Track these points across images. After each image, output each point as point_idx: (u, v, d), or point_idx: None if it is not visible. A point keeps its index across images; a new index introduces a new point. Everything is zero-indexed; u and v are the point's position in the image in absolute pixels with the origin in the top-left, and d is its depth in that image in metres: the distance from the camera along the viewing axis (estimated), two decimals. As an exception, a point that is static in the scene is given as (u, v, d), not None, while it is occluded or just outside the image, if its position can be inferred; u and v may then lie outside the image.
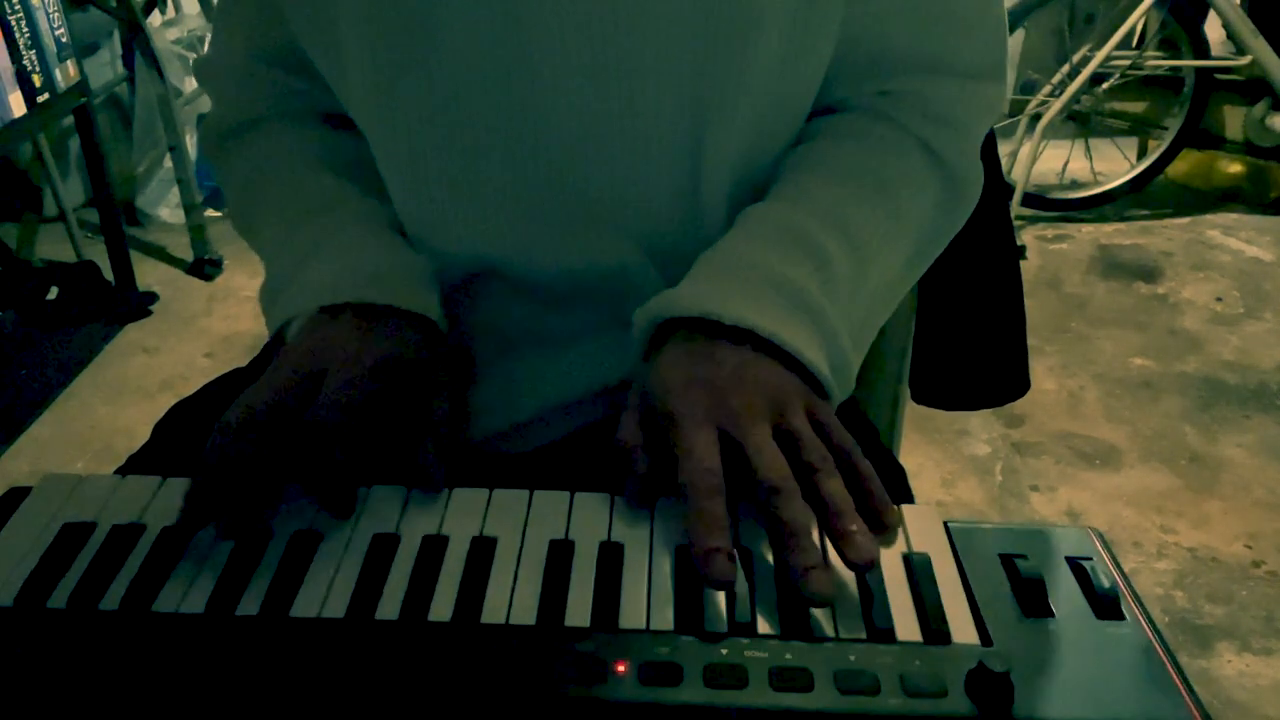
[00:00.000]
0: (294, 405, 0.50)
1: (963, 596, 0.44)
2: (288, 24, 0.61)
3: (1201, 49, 2.53)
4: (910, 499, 0.62)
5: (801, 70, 0.57)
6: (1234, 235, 2.59)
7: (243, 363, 0.71)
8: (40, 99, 1.88)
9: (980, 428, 1.87)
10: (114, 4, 2.27)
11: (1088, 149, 2.70)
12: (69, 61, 1.98)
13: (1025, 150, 2.53)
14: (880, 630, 0.42)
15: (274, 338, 0.58)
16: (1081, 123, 2.66)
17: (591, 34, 0.52)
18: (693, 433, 0.47)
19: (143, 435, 0.66)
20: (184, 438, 0.64)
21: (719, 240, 0.56)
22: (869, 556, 0.43)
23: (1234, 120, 2.76)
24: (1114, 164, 2.72)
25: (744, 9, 0.52)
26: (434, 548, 0.46)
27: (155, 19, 2.80)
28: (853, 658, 0.40)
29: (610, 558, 0.45)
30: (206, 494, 0.47)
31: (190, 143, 2.65)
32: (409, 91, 0.55)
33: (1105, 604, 0.43)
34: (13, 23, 1.80)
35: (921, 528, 0.47)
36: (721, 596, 0.43)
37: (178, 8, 2.98)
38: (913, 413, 0.86)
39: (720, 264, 0.54)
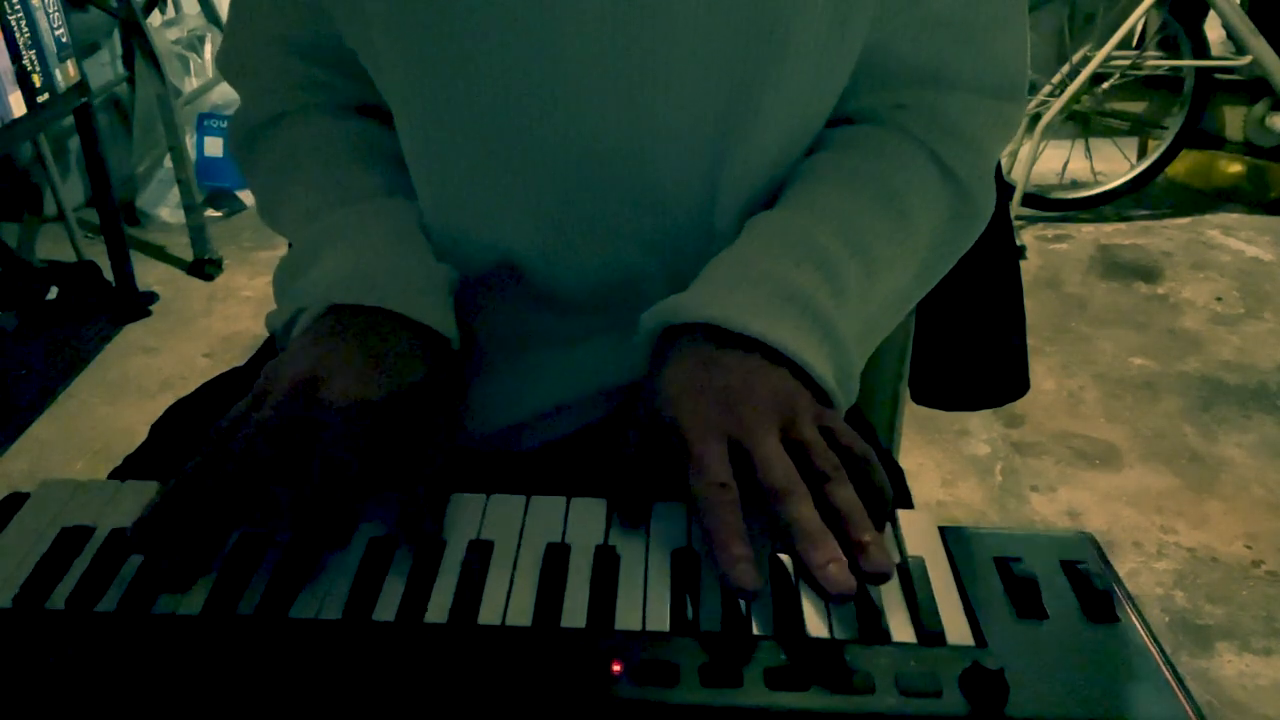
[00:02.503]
0: (283, 425, 0.48)
1: (957, 599, 0.44)
2: (318, 10, 0.60)
3: (1201, 49, 2.53)
4: (909, 500, 0.62)
5: (826, 89, 0.57)
6: (1234, 235, 2.59)
7: (242, 362, 0.71)
8: (40, 99, 1.88)
9: (980, 428, 1.87)
10: (114, 4, 2.28)
11: (1088, 149, 2.70)
12: (69, 61, 1.98)
13: (1025, 150, 2.53)
14: (875, 631, 0.42)
15: (285, 326, 0.57)
16: (1081, 123, 2.67)
17: (619, 43, 0.52)
18: (702, 444, 0.46)
19: (143, 435, 0.66)
20: (182, 438, 0.64)
21: (728, 247, 0.56)
22: (884, 568, 0.43)
23: (1234, 120, 2.76)
24: (1114, 164, 2.72)
25: (777, 31, 0.52)
26: (431, 550, 0.46)
27: (155, 19, 2.80)
28: (848, 658, 0.40)
29: (606, 560, 0.45)
30: (174, 510, 0.45)
31: (190, 143, 2.66)
32: (433, 77, 0.55)
33: (1099, 606, 0.43)
34: (13, 23, 1.80)
35: (916, 532, 0.47)
36: (718, 597, 0.43)
37: (178, 8, 2.98)
38: (913, 413, 0.86)
39: (728, 271, 0.54)
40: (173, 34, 2.82)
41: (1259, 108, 2.66)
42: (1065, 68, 2.52)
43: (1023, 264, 1.17)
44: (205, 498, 0.46)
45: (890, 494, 0.47)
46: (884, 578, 0.43)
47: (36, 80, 1.87)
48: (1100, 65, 2.45)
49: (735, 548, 0.42)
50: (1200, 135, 2.72)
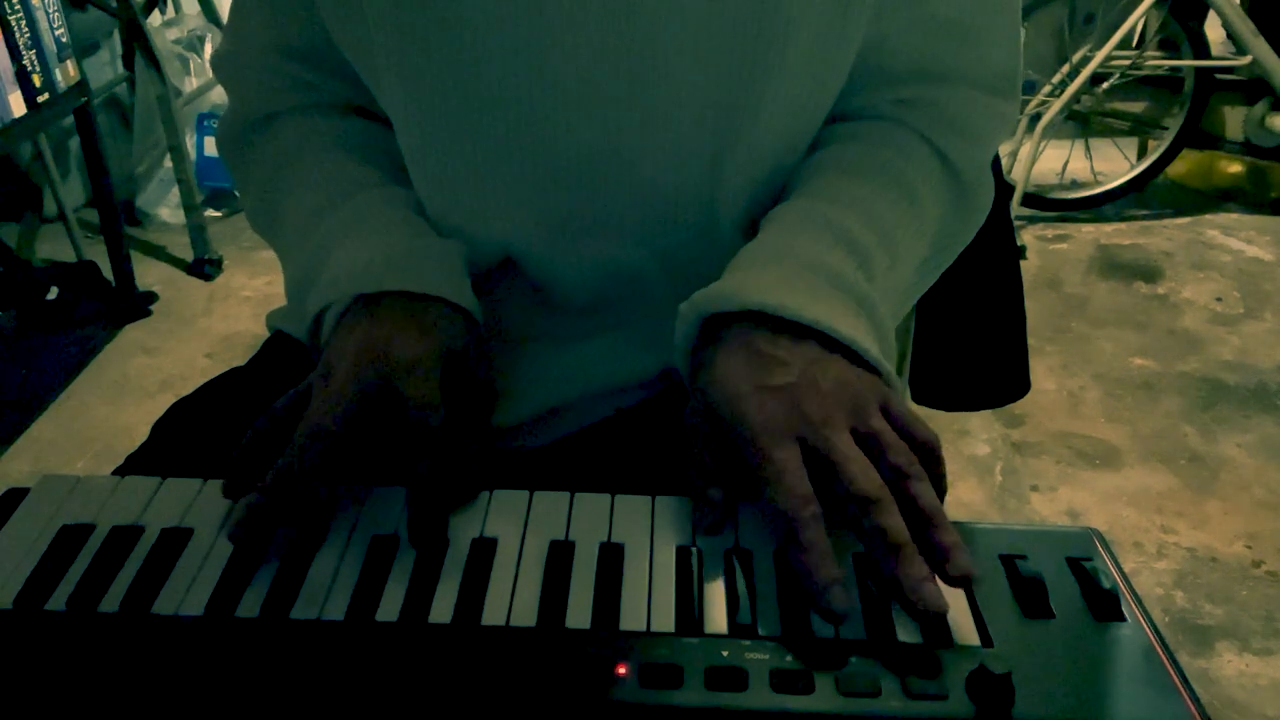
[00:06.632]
0: (364, 413, 0.49)
1: (963, 597, 0.44)
2: (311, 15, 0.60)
3: (1201, 49, 2.52)
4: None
5: (825, 85, 0.57)
6: (1234, 235, 2.59)
7: (242, 362, 0.71)
8: (40, 99, 1.88)
9: (980, 428, 1.87)
10: (114, 4, 2.27)
11: (1088, 149, 2.70)
12: (69, 61, 1.98)
13: (1025, 150, 2.53)
14: (881, 632, 0.42)
15: (312, 327, 0.57)
16: (1081, 123, 2.66)
17: (618, 38, 0.52)
18: (775, 452, 0.45)
19: (143, 435, 0.65)
20: (183, 437, 0.64)
21: (755, 237, 0.55)
22: (969, 571, 0.42)
23: (1234, 120, 2.76)
24: (1114, 164, 2.72)
25: (777, 23, 0.52)
26: (434, 548, 0.46)
27: (155, 19, 2.80)
28: (853, 659, 0.40)
29: (611, 559, 0.45)
30: (272, 507, 0.47)
31: (190, 143, 2.65)
32: (432, 77, 0.55)
33: (1105, 605, 0.43)
34: (13, 23, 1.80)
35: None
36: (722, 598, 0.43)
37: (178, 8, 2.98)
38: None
39: (766, 256, 0.53)
40: (173, 34, 2.81)
41: (1259, 108, 2.66)
42: (1065, 68, 2.52)
43: (1023, 264, 1.17)
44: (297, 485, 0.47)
45: (947, 486, 0.47)
46: (969, 581, 0.42)
47: (36, 80, 1.87)
48: (1100, 65, 2.45)
49: (828, 570, 0.42)
50: (1200, 135, 2.71)
